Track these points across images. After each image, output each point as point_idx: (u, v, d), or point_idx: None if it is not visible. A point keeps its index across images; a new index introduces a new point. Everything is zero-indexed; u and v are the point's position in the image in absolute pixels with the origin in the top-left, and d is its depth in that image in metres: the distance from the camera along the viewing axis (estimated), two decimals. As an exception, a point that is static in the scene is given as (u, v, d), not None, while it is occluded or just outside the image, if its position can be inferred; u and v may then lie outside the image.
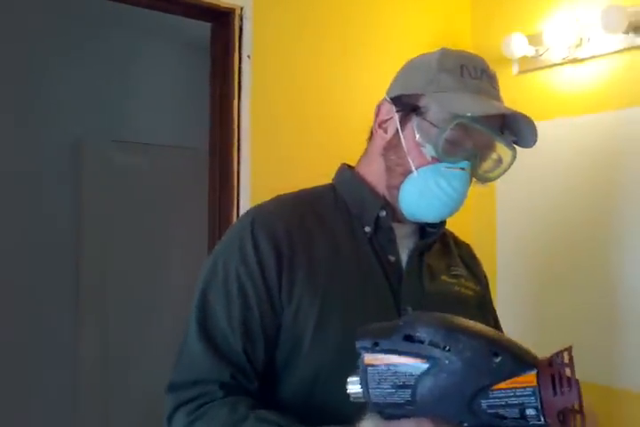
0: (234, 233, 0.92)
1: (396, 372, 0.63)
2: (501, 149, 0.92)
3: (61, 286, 2.71)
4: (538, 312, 1.96)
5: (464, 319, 0.66)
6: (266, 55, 1.77)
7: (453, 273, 0.99)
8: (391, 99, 0.94)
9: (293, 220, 0.90)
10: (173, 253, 2.93)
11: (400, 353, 0.63)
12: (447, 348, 0.62)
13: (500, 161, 0.93)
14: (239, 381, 0.84)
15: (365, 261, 0.91)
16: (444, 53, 0.92)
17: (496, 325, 1.07)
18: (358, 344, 0.65)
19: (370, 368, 0.63)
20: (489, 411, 0.61)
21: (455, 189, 0.88)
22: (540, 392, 0.60)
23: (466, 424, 0.63)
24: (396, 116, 0.91)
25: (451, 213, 0.93)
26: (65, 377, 2.66)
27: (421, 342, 0.63)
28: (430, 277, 0.95)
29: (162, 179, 2.96)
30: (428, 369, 0.62)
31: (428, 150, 0.87)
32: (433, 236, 0.97)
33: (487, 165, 0.94)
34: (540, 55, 1.92)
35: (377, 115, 0.96)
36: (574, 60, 1.86)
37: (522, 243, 2.03)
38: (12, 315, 2.52)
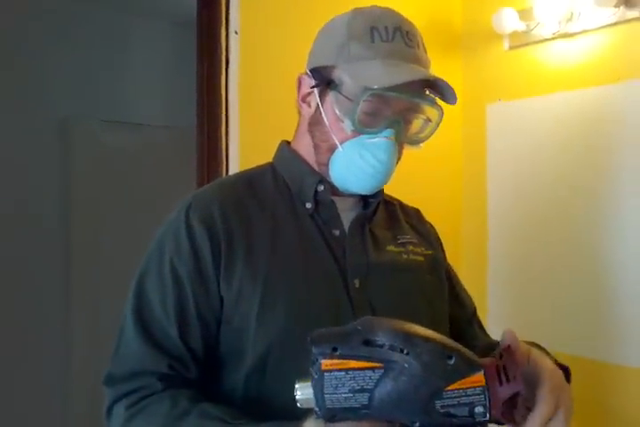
0: (171, 219, 0.90)
1: (354, 377, 0.63)
2: (428, 108, 0.90)
3: (50, 268, 2.70)
4: (528, 295, 1.97)
5: (414, 324, 0.68)
6: (253, 31, 1.74)
7: (400, 242, 0.98)
8: (310, 71, 0.91)
9: (230, 202, 0.89)
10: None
11: (359, 358, 0.64)
12: (406, 352, 0.64)
13: (428, 121, 0.91)
14: (178, 371, 0.83)
15: (308, 237, 0.90)
16: (354, 16, 0.89)
17: (454, 286, 1.07)
18: (315, 350, 0.64)
19: (327, 374, 0.63)
20: (441, 411, 0.64)
21: (380, 161, 0.87)
22: (488, 390, 0.65)
23: (417, 424, 0.65)
24: (315, 91, 0.89)
25: (382, 184, 0.92)
26: (55, 363, 2.67)
27: (380, 346, 0.64)
28: (376, 248, 0.94)
29: (150, 158, 2.94)
30: (388, 373, 0.63)
31: (347, 124, 0.86)
32: (372, 206, 0.97)
33: (416, 126, 0.92)
34: (531, 30, 1.90)
35: (298, 89, 0.94)
36: (565, 35, 1.84)
37: (512, 227, 2.03)
38: None
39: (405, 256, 0.96)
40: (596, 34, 1.79)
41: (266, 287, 0.84)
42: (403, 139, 0.89)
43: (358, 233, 0.94)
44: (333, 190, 0.93)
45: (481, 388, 0.64)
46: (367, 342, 0.64)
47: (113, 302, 2.70)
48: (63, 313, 2.72)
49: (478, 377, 0.65)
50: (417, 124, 0.92)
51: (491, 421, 0.66)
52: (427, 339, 0.65)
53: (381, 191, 0.98)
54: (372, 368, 0.64)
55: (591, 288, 1.81)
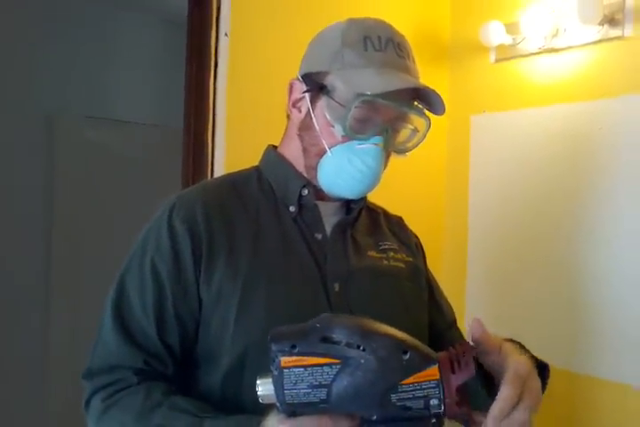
0: (154, 218, 0.91)
1: (312, 373, 0.65)
2: (416, 119, 0.92)
3: (31, 266, 2.67)
4: (507, 297, 2.00)
5: (373, 321, 0.70)
6: (244, 34, 1.75)
7: (382, 248, 1.00)
8: (302, 76, 0.93)
9: (213, 204, 0.90)
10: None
11: (317, 354, 0.66)
12: (362, 348, 0.66)
13: (415, 130, 0.93)
14: (154, 366, 0.85)
15: (289, 240, 0.91)
16: (349, 26, 0.91)
17: (434, 294, 1.08)
18: (275, 347, 0.66)
19: (286, 370, 0.65)
20: (397, 404, 0.66)
21: (369, 166, 0.88)
22: (442, 383, 0.67)
23: (374, 417, 0.67)
24: (307, 96, 0.91)
25: (369, 189, 0.93)
26: (35, 363, 2.64)
27: (338, 343, 0.66)
28: (357, 253, 0.95)
29: (136, 156, 2.92)
30: (345, 368, 0.65)
31: (338, 130, 0.87)
32: (354, 212, 0.98)
33: (403, 135, 0.94)
34: (517, 44, 1.94)
35: (290, 93, 0.96)
36: (550, 50, 1.88)
37: (493, 229, 2.06)
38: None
39: (386, 262, 0.98)
40: (580, 50, 1.82)
41: (245, 289, 0.85)
42: (390, 147, 0.91)
43: (340, 238, 0.95)
44: (317, 195, 0.95)
45: (435, 381, 0.66)
46: (325, 339, 0.66)
47: (93, 301, 2.69)
48: (43, 311, 2.69)
49: (433, 371, 0.67)
50: (405, 133, 0.94)
51: (446, 414, 0.68)
52: (383, 335, 0.68)
53: (364, 198, 1.00)
54: (330, 364, 0.65)
55: (568, 298, 1.84)
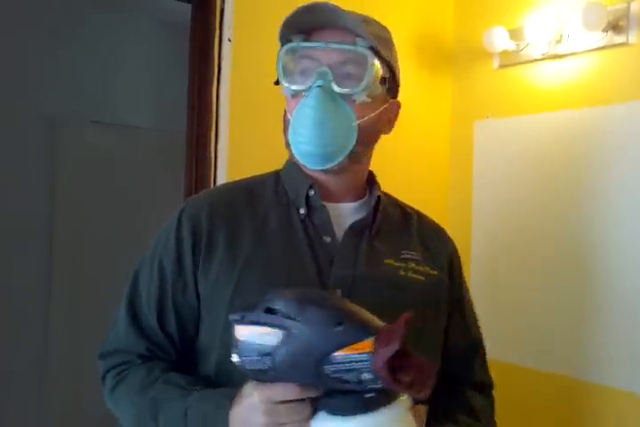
0: (169, 220, 0.96)
1: (258, 341, 0.69)
2: (363, 58, 0.86)
3: (33, 270, 2.67)
4: (510, 297, 1.99)
5: (326, 294, 0.73)
6: (247, 39, 1.75)
7: (403, 256, 0.94)
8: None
9: (221, 204, 0.93)
10: (148, 237, 2.89)
11: (261, 324, 0.69)
12: (297, 318, 0.68)
13: (363, 66, 0.87)
14: (155, 353, 0.92)
15: (294, 243, 0.90)
16: None
17: (463, 312, 1.02)
18: (230, 317, 0.71)
19: (241, 339, 0.70)
20: (333, 376, 0.66)
21: (311, 106, 0.85)
22: (375, 357, 0.65)
23: (322, 390, 0.69)
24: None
25: (327, 139, 0.86)
26: (36, 355, 2.64)
27: (277, 313, 0.69)
28: (369, 260, 0.91)
29: (137, 161, 2.92)
30: (283, 338, 0.68)
31: (286, 90, 0.89)
32: (372, 214, 0.94)
33: (356, 74, 0.87)
34: (521, 50, 1.94)
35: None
36: (554, 56, 1.87)
37: (497, 235, 2.06)
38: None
39: (403, 273, 0.93)
40: (583, 57, 1.82)
41: (238, 284, 0.87)
42: (339, 88, 0.85)
43: (353, 242, 0.92)
44: (328, 196, 0.94)
45: (366, 354, 0.65)
46: (268, 310, 0.69)
47: (95, 303, 2.71)
48: (44, 315, 2.69)
49: (366, 344, 0.65)
50: (356, 72, 0.87)
51: (385, 389, 0.66)
52: (320, 306, 0.68)
53: (376, 198, 0.95)
54: (270, 334, 0.68)
55: (573, 303, 1.83)
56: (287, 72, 0.90)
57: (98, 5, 2.76)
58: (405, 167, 1.99)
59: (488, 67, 2.08)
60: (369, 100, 0.88)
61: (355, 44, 0.86)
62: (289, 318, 0.68)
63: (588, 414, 1.79)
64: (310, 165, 0.90)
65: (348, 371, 0.65)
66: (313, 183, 0.93)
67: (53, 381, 2.68)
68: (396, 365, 0.64)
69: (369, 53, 0.86)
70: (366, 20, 0.92)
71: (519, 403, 1.89)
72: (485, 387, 1.04)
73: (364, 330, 0.66)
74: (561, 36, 1.84)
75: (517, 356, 1.94)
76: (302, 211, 0.92)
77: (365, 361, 0.64)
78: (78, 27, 2.78)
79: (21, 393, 2.58)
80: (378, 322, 0.69)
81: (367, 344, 0.65)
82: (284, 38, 0.90)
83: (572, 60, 1.85)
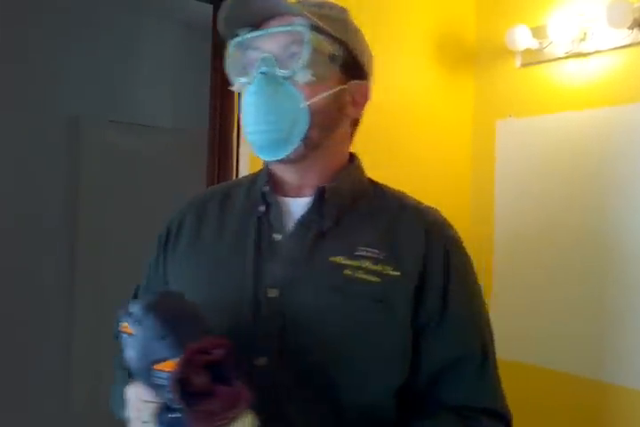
0: None
1: (122, 340, 0.72)
2: (308, 38, 0.81)
3: (55, 270, 2.71)
4: (532, 301, 1.97)
5: (183, 301, 0.73)
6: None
7: (358, 253, 0.83)
8: None
9: (196, 204, 0.97)
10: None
11: (123, 325, 0.72)
12: (141, 324, 0.69)
13: (307, 44, 0.81)
14: None
15: (244, 242, 0.87)
16: None
17: (444, 319, 0.84)
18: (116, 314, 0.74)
19: (121, 335, 0.72)
20: (159, 387, 0.66)
21: (254, 93, 0.82)
22: (172, 378, 0.64)
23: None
24: None
25: (272, 124, 0.81)
26: (59, 355, 2.67)
27: (131, 316, 0.71)
28: (311, 258, 0.83)
29: (159, 161, 2.94)
30: (130, 341, 0.70)
31: (237, 86, 0.87)
32: (313, 205, 0.86)
33: (299, 54, 0.82)
34: (544, 48, 1.92)
35: None
36: (578, 55, 1.85)
37: (520, 235, 2.04)
38: (5, 289, 2.52)
39: (349, 272, 0.82)
40: (608, 55, 1.80)
41: (182, 284, 0.89)
42: (283, 73, 0.81)
43: (298, 237, 0.85)
44: (287, 190, 0.89)
45: (166, 373, 0.64)
46: (127, 312, 0.71)
47: (118, 303, 2.71)
48: (65, 313, 2.72)
49: (172, 363, 0.64)
50: (302, 54, 0.81)
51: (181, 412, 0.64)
52: (159, 316, 0.68)
53: (334, 191, 0.87)
54: (125, 335, 0.71)
55: (597, 307, 1.81)
56: (237, 67, 0.87)
57: (119, 6, 2.78)
58: (426, 166, 1.98)
59: (510, 65, 2.07)
60: (314, 78, 0.81)
61: (292, 24, 0.82)
62: (137, 322, 0.69)
63: (616, 418, 1.76)
64: (262, 155, 0.84)
65: (160, 387, 0.65)
66: (269, 179, 0.89)
67: (77, 380, 2.71)
68: (199, 391, 0.63)
69: (305, 30, 0.80)
70: (308, 3, 0.88)
71: (534, 403, 1.87)
72: (483, 413, 0.84)
73: (177, 349, 0.65)
74: (585, 33, 1.82)
75: (532, 355, 1.92)
76: (261, 208, 0.88)
77: (166, 379, 0.64)
78: (100, 28, 2.81)
79: (45, 393, 2.61)
80: (209, 340, 0.67)
81: (172, 363, 0.64)
82: (231, 34, 0.87)
83: (596, 59, 1.83)
